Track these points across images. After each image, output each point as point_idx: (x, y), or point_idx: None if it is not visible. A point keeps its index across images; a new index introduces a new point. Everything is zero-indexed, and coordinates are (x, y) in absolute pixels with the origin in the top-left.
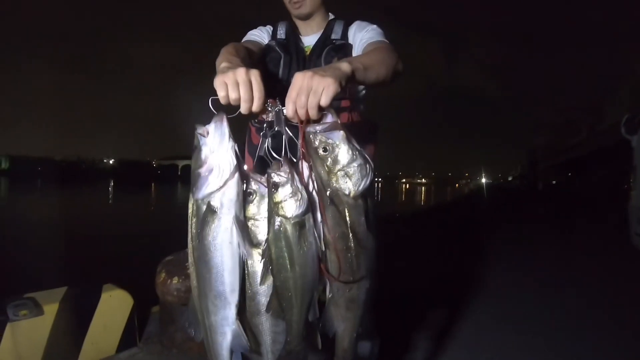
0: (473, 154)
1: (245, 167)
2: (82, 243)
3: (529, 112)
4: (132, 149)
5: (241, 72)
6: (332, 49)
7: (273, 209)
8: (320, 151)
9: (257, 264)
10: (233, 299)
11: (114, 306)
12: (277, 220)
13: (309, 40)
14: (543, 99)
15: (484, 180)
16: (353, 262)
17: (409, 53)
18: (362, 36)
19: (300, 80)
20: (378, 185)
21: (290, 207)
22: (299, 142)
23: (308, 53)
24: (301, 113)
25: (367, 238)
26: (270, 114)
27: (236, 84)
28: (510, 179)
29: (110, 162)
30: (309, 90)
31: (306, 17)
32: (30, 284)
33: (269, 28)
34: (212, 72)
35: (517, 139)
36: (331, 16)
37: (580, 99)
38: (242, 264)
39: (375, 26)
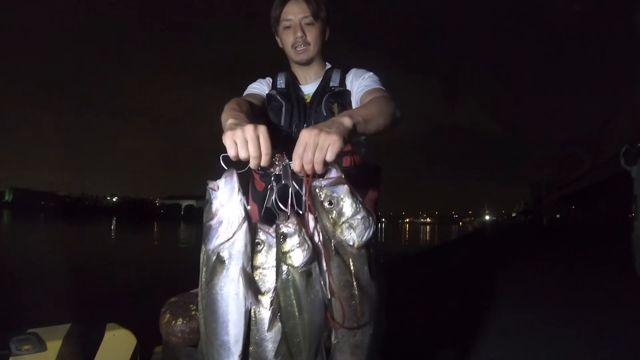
0: (476, 192)
1: (249, 208)
2: (85, 280)
3: (531, 148)
4: (136, 188)
5: (249, 129)
6: (331, 95)
7: (281, 259)
8: (326, 204)
9: (264, 311)
10: (237, 349)
11: (116, 345)
12: (285, 269)
13: (308, 88)
14: (545, 133)
15: (487, 217)
16: (357, 309)
17: (409, 94)
18: (360, 84)
19: (307, 137)
20: (381, 225)
21: (298, 257)
22: (305, 196)
23: (308, 101)
24: (307, 168)
25: (371, 286)
26: (278, 168)
27: (245, 142)
28: (514, 215)
29: (114, 199)
30: (315, 147)
31: (307, 63)
32: (34, 319)
33: (269, 80)
34: (216, 115)
35: (520, 174)
36: (328, 65)
37: (581, 131)
38: (248, 315)
39: (371, 73)
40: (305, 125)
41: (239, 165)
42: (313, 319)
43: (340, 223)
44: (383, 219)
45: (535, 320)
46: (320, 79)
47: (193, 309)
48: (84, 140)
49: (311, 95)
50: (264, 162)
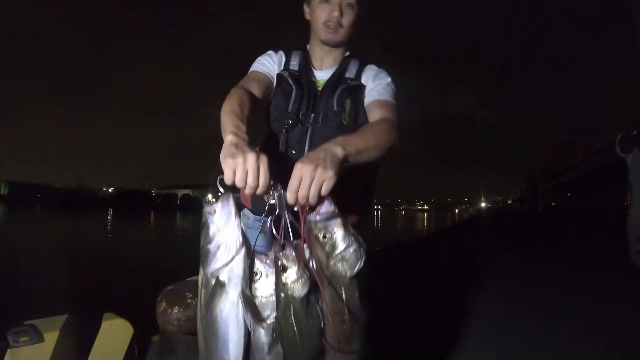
0: (472, 179)
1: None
2: (82, 271)
3: (527, 136)
4: (131, 178)
5: (251, 159)
6: (346, 89)
7: (282, 289)
8: (320, 237)
9: (263, 336)
10: None
11: (114, 335)
12: (286, 299)
13: (322, 75)
14: (540, 122)
15: (483, 204)
16: (348, 333)
17: (404, 84)
18: (374, 87)
19: (303, 171)
20: (377, 213)
21: (298, 288)
22: (301, 230)
23: (320, 88)
24: (302, 202)
25: (361, 312)
26: (272, 197)
27: (245, 173)
28: (510, 202)
29: (110, 190)
30: (311, 181)
31: (333, 45)
32: (31, 311)
33: (281, 55)
34: (210, 104)
35: (516, 162)
36: (347, 52)
37: (576, 119)
38: (247, 336)
39: (389, 80)
40: (312, 115)
41: (235, 188)
42: (312, 343)
43: (333, 255)
44: (379, 206)
45: (529, 308)
46: (337, 66)
47: (189, 297)
48: (78, 131)
49: (324, 82)
50: (259, 191)
